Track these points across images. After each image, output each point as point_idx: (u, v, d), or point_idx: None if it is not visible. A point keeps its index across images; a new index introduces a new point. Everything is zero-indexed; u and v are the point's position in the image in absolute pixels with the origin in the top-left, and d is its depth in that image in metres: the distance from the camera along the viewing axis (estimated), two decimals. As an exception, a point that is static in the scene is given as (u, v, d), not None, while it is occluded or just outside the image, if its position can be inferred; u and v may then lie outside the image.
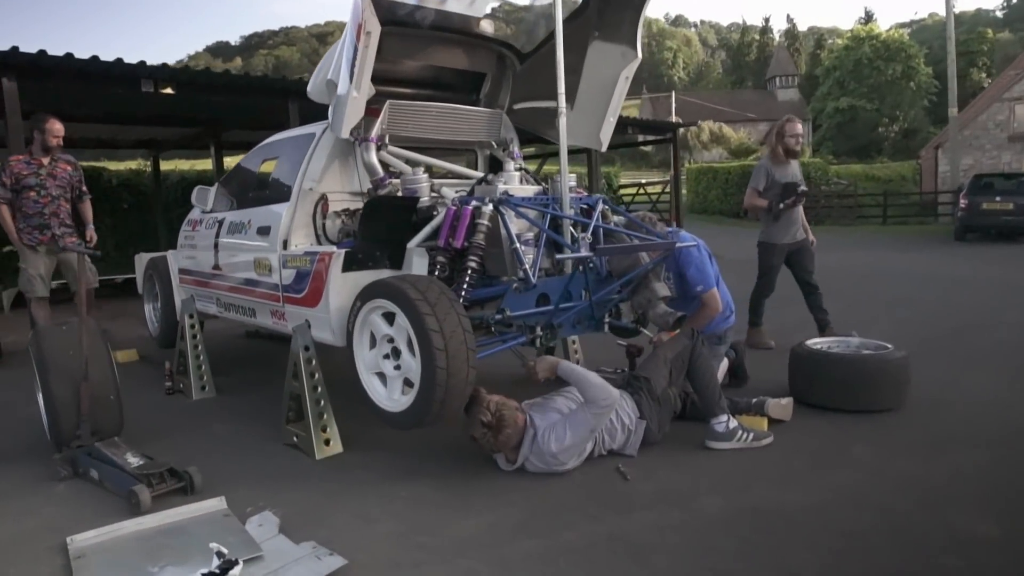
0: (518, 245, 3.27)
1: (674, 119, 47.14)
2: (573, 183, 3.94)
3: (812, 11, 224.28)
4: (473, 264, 3.26)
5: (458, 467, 3.26)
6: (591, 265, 3.60)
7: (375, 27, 3.03)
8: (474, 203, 3.33)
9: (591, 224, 3.54)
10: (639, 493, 2.95)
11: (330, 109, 3.66)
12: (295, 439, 3.58)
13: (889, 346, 4.07)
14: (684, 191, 28.57)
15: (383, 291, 3.06)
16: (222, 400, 4.64)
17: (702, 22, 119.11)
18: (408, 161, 3.99)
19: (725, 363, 4.45)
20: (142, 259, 5.65)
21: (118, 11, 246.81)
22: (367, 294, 3.16)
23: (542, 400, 3.37)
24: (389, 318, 3.11)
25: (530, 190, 3.67)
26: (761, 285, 5.55)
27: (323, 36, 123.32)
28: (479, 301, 3.44)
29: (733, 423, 3.45)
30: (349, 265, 3.39)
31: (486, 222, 3.30)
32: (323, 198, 3.85)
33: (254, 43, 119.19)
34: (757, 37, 72.56)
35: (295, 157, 4.01)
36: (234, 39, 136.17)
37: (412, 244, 3.47)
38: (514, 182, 3.73)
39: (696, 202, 25.25)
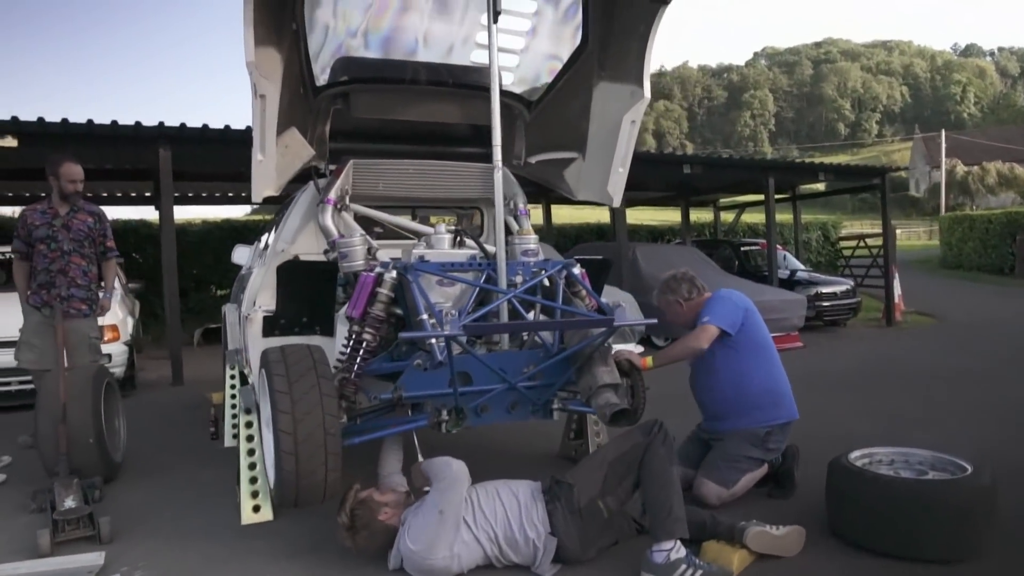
0: (423, 316, 2.90)
1: (944, 162, 41.45)
2: (533, 244, 3.47)
3: None
4: (367, 336, 2.96)
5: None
6: (537, 340, 3.11)
7: (268, 90, 2.90)
8: (377, 270, 3.03)
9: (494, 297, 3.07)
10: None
11: None
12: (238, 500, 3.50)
13: (968, 467, 2.93)
14: (937, 242, 24.76)
15: (263, 360, 2.89)
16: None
17: (1000, 49, 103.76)
18: (372, 221, 3.80)
19: (763, 467, 3.56)
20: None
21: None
22: (261, 361, 3.01)
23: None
24: None
25: (461, 255, 3.26)
26: None
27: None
28: (392, 377, 3.10)
29: (680, 552, 2.66)
30: (271, 330, 3.27)
31: (386, 291, 2.98)
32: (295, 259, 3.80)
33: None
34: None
35: (280, 218, 4.04)
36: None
37: (341, 312, 3.27)
38: (443, 245, 3.35)
39: (949, 255, 21.49)
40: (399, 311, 3.10)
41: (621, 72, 3.62)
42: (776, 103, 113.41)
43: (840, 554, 2.87)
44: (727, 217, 15.33)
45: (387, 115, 3.83)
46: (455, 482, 2.74)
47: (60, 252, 4.55)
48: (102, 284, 4.94)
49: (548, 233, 13.31)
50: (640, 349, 8.36)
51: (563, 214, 17.23)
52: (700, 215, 17.24)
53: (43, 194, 4.57)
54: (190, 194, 11.66)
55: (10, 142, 6.41)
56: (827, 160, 13.31)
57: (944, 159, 40.39)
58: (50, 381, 3.78)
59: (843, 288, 10.87)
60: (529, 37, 3.81)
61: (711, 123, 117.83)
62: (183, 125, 7.11)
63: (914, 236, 39.28)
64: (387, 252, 3.51)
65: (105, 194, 10.99)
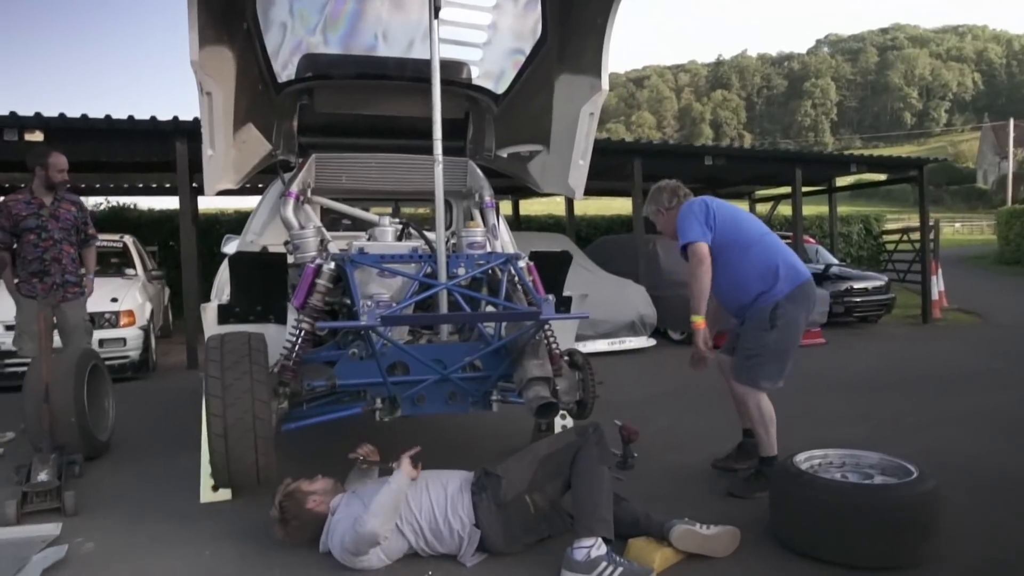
0: (359, 306, 2.96)
1: (1011, 151, 39.29)
2: (479, 237, 3.48)
3: None
4: (305, 326, 3.03)
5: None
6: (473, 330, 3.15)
7: (213, 87, 2.99)
8: (317, 261, 3.10)
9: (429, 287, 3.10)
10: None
11: None
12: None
13: (913, 470, 2.84)
14: (994, 237, 23.55)
15: (205, 346, 3.00)
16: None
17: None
18: (331, 212, 3.88)
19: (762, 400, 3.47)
20: None
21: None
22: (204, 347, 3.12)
23: (378, 481, 2.97)
24: None
25: (403, 247, 3.30)
26: None
27: (639, 80, 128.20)
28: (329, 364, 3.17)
29: (601, 550, 2.65)
30: (225, 318, 3.37)
31: (324, 281, 3.06)
32: (263, 251, 3.91)
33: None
34: None
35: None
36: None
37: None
38: (386, 237, 3.40)
39: (1007, 251, 20.44)
40: (349, 301, 3.17)
41: (580, 65, 3.60)
42: (839, 92, 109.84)
43: (774, 558, 2.82)
44: (762, 209, 14.93)
45: (349, 110, 3.89)
46: (366, 537, 2.67)
47: (52, 241, 4.68)
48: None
49: (570, 225, 13.23)
50: (652, 343, 8.31)
51: (595, 206, 17.12)
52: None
53: (22, 185, 4.70)
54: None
55: (37, 136, 6.73)
56: (891, 152, 12.81)
57: (1012, 149, 38.39)
58: (35, 363, 3.99)
59: (876, 284, 10.49)
60: (491, 31, 3.82)
61: (770, 113, 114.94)
62: (197, 119, 7.24)
63: (976, 230, 37.56)
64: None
65: (141, 185, 11.40)
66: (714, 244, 3.45)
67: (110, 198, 12.89)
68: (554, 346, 3.45)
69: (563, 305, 3.85)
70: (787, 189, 13.60)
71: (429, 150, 4.13)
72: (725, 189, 13.02)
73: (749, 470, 3.62)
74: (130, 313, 6.71)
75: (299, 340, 3.03)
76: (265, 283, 3.38)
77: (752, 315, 3.48)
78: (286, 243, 3.78)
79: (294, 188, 3.70)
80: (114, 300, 6.72)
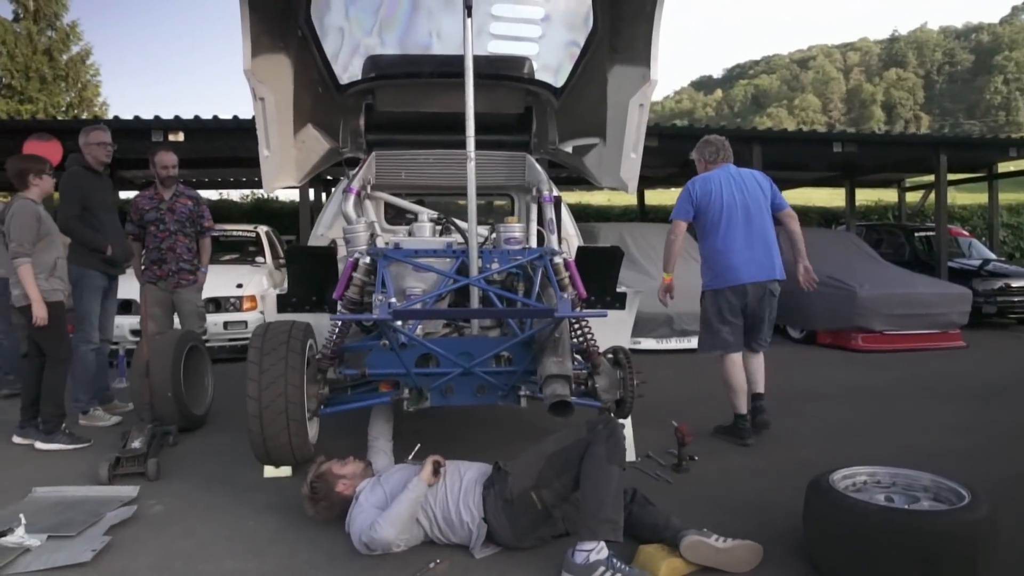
0: (392, 300, 3.08)
1: None
2: (516, 233, 3.48)
3: None
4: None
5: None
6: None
7: (265, 93, 3.21)
8: (356, 255, 3.25)
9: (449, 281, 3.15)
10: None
11: None
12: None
13: (966, 495, 2.54)
14: None
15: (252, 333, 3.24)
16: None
17: None
18: (395, 208, 4.02)
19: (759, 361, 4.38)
20: None
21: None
22: None
23: (404, 469, 3.08)
24: None
25: (439, 242, 3.37)
26: None
27: (804, 61, 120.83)
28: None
29: (601, 554, 2.60)
30: (283, 308, 3.62)
31: (360, 275, 3.20)
32: (332, 243, 4.14)
33: (735, 74, 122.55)
34: None
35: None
36: (717, 72, 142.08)
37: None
38: (423, 232, 3.47)
39: None
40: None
41: (631, 55, 3.51)
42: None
43: (798, 579, 2.64)
44: (913, 198, 13.59)
45: (411, 107, 4.02)
46: (380, 543, 2.76)
47: (168, 232, 5.18)
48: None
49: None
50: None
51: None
52: (882, 195, 15.44)
53: (153, 181, 5.31)
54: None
55: (179, 137, 7.52)
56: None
57: None
58: (141, 343, 4.49)
59: (1041, 282, 9.29)
60: (545, 24, 3.80)
61: (951, 91, 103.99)
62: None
63: None
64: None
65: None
66: (696, 223, 4.24)
67: (254, 191, 14.08)
68: (592, 343, 3.39)
69: (617, 301, 3.78)
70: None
71: (489, 145, 4.21)
72: (866, 177, 12.03)
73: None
74: (252, 298, 7.33)
75: (336, 330, 3.20)
76: (318, 275, 3.59)
77: (704, 294, 4.36)
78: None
79: (355, 184, 3.88)
80: (239, 286, 7.36)
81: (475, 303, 3.21)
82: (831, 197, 17.63)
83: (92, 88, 24.99)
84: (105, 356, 5.03)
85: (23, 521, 3.01)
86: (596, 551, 2.60)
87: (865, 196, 15.37)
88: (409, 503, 2.77)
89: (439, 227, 3.55)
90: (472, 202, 3.23)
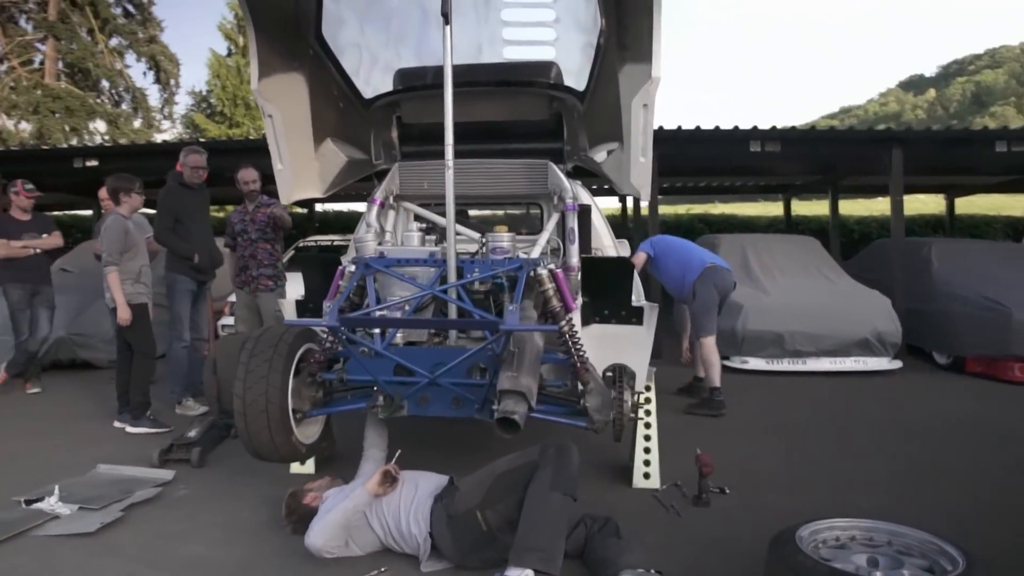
0: (373, 308, 3.14)
1: None
2: (504, 243, 3.37)
3: None
4: None
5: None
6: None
7: (273, 111, 3.38)
8: (344, 264, 3.33)
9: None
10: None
11: None
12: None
13: (959, 560, 2.10)
14: None
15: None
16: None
17: None
18: (420, 219, 4.08)
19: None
20: None
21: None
22: None
23: (358, 480, 3.13)
24: None
25: (422, 251, 3.35)
26: None
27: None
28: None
29: (526, 586, 2.47)
30: (301, 313, 3.80)
31: (345, 283, 3.27)
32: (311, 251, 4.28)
33: (952, 71, 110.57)
34: None
35: None
36: (930, 70, 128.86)
37: None
38: (411, 242, 3.46)
39: None
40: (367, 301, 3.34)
41: (637, 52, 3.29)
42: None
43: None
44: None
45: (435, 119, 4.06)
46: (312, 549, 2.82)
47: (250, 241, 5.59)
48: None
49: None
50: (896, 365, 6.94)
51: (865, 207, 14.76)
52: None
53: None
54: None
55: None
56: None
57: None
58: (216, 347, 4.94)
59: None
60: (557, 27, 3.68)
61: None
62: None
63: None
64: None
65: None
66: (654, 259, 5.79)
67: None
68: (582, 359, 3.21)
69: (633, 316, 3.56)
70: None
71: (516, 154, 4.15)
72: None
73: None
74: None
75: (325, 339, 3.31)
76: (328, 282, 3.73)
77: None
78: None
79: (378, 195, 4.00)
80: None
81: (452, 313, 3.17)
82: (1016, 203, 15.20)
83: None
84: (199, 352, 5.57)
85: (57, 491, 3.42)
86: (522, 581, 2.46)
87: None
88: (342, 512, 2.79)
89: (429, 237, 3.56)
90: (450, 208, 3.20)
